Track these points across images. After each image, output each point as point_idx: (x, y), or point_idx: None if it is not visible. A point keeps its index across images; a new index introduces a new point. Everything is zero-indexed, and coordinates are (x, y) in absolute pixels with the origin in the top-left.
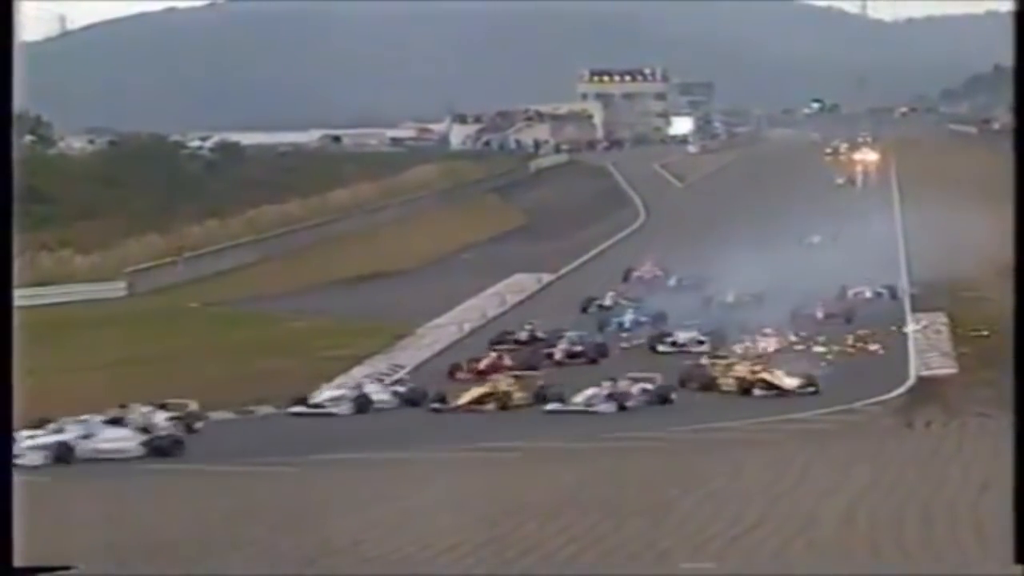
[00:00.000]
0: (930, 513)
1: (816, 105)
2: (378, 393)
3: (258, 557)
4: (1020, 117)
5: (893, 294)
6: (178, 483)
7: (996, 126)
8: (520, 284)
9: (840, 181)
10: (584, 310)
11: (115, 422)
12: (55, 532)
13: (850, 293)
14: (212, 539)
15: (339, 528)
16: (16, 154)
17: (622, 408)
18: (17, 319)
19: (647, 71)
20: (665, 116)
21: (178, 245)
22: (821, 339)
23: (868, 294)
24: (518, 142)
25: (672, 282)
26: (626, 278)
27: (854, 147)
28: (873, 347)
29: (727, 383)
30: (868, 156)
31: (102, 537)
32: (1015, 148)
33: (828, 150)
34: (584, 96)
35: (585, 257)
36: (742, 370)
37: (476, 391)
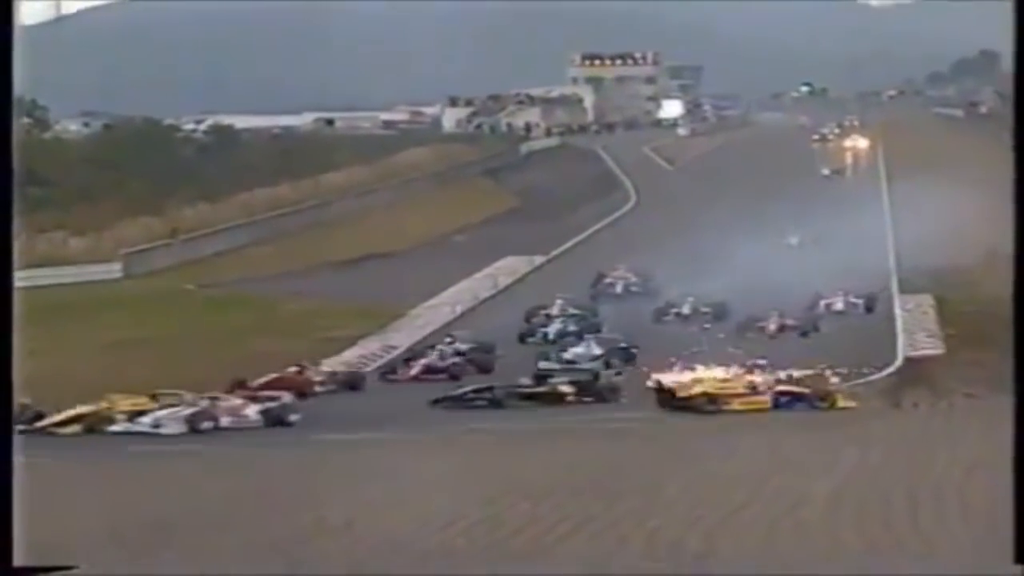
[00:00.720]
0: (916, 494)
1: (805, 89)
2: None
3: (254, 536)
4: (1020, 117)
5: (869, 306)
6: (174, 464)
7: (983, 109)
8: (512, 266)
9: (827, 172)
10: (528, 320)
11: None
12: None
13: (822, 304)
14: (209, 519)
15: (334, 507)
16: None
17: None
18: (15, 301)
19: (638, 55)
20: (655, 99)
21: (172, 227)
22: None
23: (840, 305)
24: (509, 125)
25: (619, 289)
26: (596, 283)
27: (843, 134)
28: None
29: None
30: (857, 143)
31: (110, 518)
32: (1015, 148)
33: (816, 136)
34: (575, 80)
35: (576, 239)
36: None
37: None
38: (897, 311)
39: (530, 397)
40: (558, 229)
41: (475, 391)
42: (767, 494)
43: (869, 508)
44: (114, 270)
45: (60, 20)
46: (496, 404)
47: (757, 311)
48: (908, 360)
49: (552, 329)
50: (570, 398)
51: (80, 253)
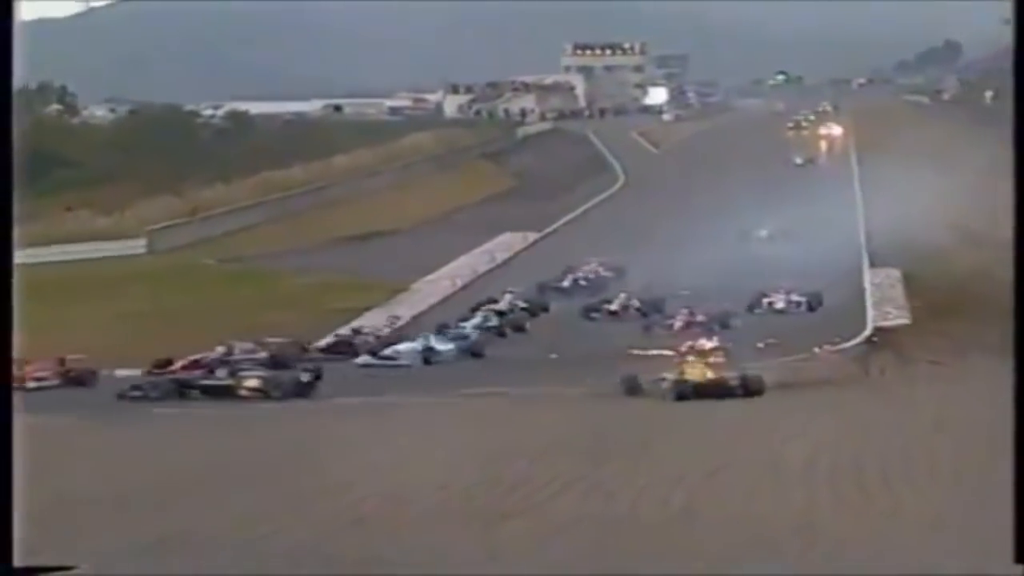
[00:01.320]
0: (886, 453)
1: (781, 77)
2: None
3: (263, 494)
4: (1020, 116)
5: (812, 305)
6: (188, 424)
7: (946, 96)
8: (508, 242)
9: (799, 161)
10: (473, 311)
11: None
12: None
13: (764, 302)
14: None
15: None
16: (43, 122)
17: None
18: (47, 275)
19: (626, 45)
20: (642, 87)
21: (193, 206)
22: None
23: (780, 304)
24: (506, 111)
25: (567, 283)
26: (562, 276)
27: (817, 121)
28: None
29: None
30: (831, 131)
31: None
32: (1015, 147)
33: (790, 124)
34: (567, 68)
35: (569, 216)
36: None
37: None
38: (867, 284)
39: (206, 391)
40: (552, 208)
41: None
42: (745, 455)
43: (842, 468)
44: (138, 246)
45: (89, 12)
46: (172, 395)
47: (703, 305)
48: (877, 329)
49: (470, 324)
50: (243, 392)
51: (105, 230)
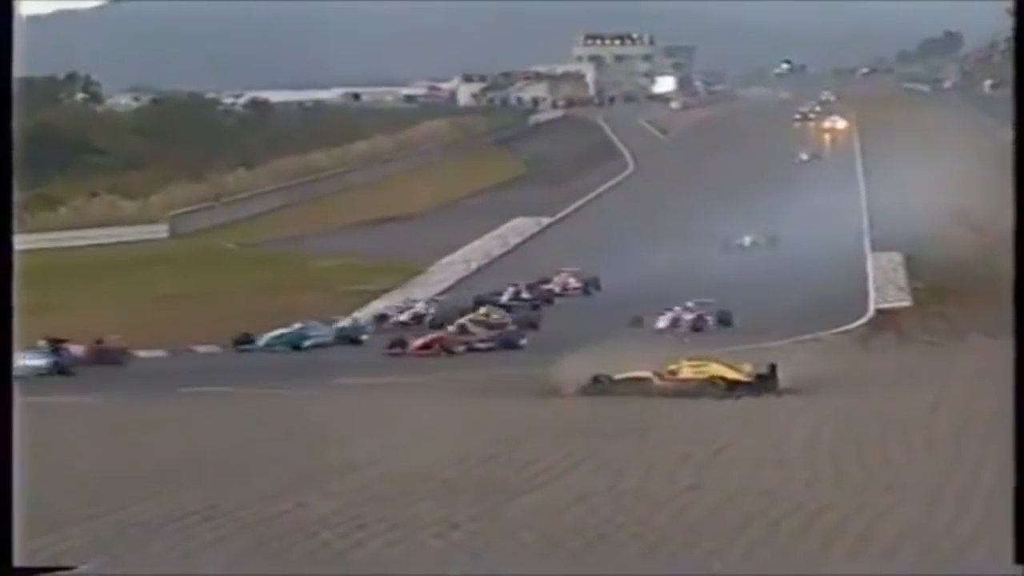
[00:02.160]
0: (886, 430)
1: (786, 66)
2: None
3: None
4: (1020, 115)
5: (724, 320)
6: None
7: (947, 84)
8: (521, 227)
9: (805, 157)
10: (476, 304)
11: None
12: None
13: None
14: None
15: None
16: (70, 110)
17: None
18: (73, 259)
19: (635, 36)
20: (651, 76)
21: (216, 192)
22: None
23: (688, 317)
24: (519, 99)
25: (505, 298)
26: (533, 287)
27: (823, 114)
28: None
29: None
30: (836, 124)
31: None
32: (1015, 147)
33: (797, 116)
34: (578, 58)
35: (580, 202)
36: None
37: None
38: (869, 268)
39: None
40: (564, 193)
41: None
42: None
43: (843, 444)
44: (161, 230)
45: (116, 3)
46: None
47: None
48: (879, 311)
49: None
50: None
51: (130, 215)
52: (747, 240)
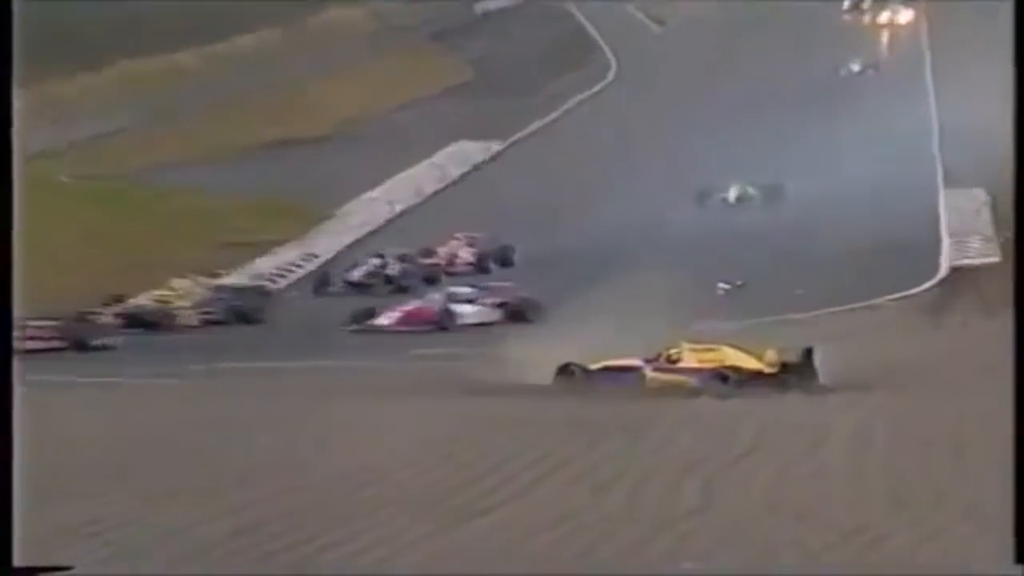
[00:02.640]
0: (931, 442)
1: None
2: None
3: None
4: (1020, 115)
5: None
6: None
7: None
8: (464, 153)
9: (856, 68)
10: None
11: None
12: None
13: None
14: None
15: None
16: None
17: None
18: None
19: None
20: None
21: (41, 103)
22: None
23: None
24: None
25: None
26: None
27: (880, 3)
28: None
29: None
30: (897, 18)
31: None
32: (1015, 146)
33: (846, 6)
34: None
35: (541, 121)
36: None
37: None
38: (941, 210)
39: None
40: (520, 107)
41: None
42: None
43: (894, 451)
44: None
45: None
46: None
47: None
48: (955, 270)
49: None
50: None
51: None
52: (731, 194)
